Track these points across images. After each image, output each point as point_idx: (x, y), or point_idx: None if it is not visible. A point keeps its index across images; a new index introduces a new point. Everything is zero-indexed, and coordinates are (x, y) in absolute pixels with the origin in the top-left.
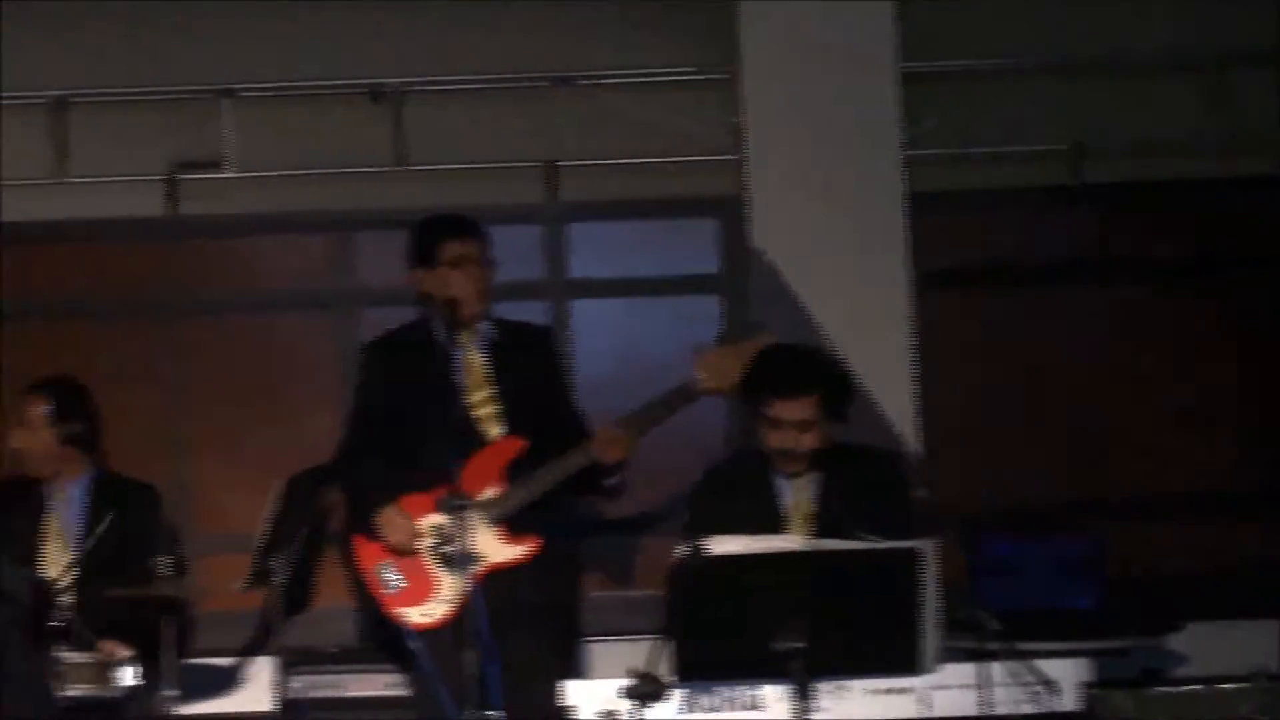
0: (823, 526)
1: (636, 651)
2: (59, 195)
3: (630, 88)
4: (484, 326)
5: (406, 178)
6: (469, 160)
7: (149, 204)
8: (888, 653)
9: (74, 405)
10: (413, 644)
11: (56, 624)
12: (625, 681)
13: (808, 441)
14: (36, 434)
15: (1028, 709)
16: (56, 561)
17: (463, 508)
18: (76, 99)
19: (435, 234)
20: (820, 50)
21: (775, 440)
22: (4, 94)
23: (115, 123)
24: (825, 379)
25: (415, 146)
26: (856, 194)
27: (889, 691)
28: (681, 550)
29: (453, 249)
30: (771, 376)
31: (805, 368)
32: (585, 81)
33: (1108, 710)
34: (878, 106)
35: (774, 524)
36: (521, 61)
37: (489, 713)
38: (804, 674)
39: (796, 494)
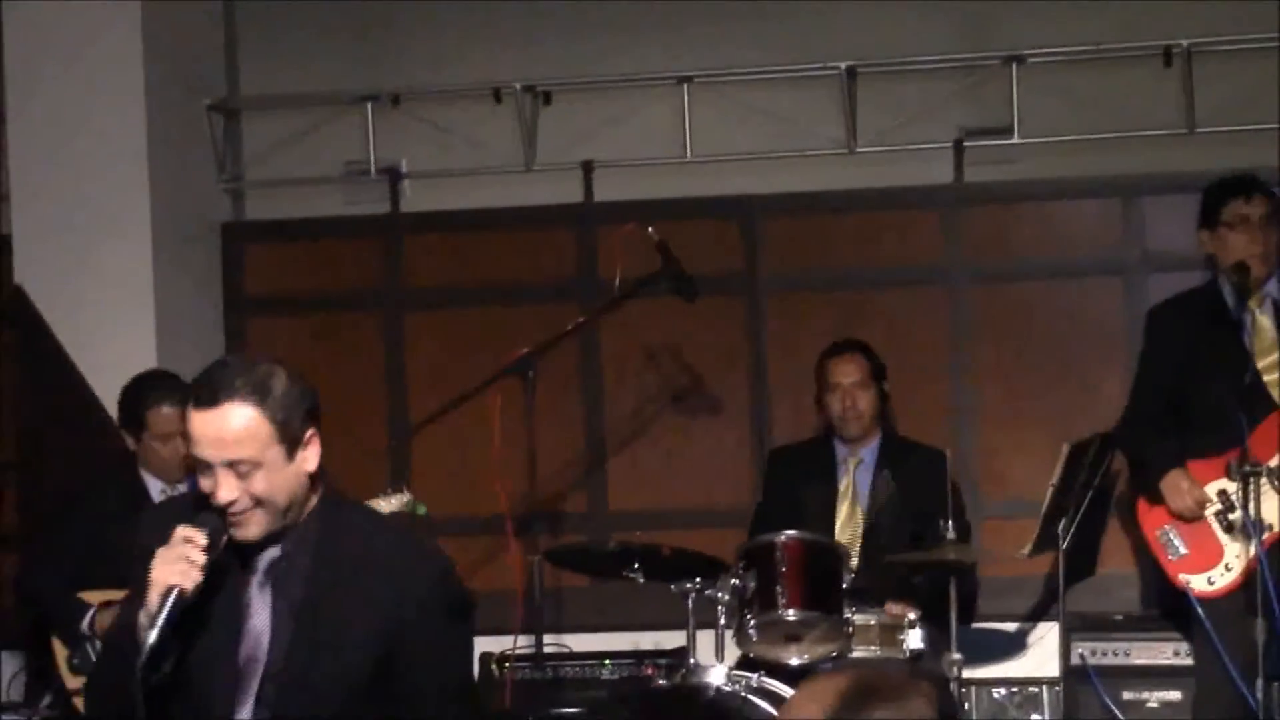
0: None
1: None
2: (849, 165)
3: None
4: (1272, 287)
5: (1196, 141)
6: (1259, 122)
7: (938, 172)
8: None
9: (877, 368)
10: (1198, 612)
11: (846, 586)
12: None
13: None
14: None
15: None
16: (848, 524)
17: (1252, 474)
18: (865, 69)
19: (1219, 194)
20: None
21: None
22: (798, 66)
23: (905, 92)
24: None
25: (1204, 109)
26: None
27: None
28: None
29: (1233, 209)
30: None
31: None
32: None
33: None
34: None
35: None
36: None
37: (1277, 684)
38: None
39: None
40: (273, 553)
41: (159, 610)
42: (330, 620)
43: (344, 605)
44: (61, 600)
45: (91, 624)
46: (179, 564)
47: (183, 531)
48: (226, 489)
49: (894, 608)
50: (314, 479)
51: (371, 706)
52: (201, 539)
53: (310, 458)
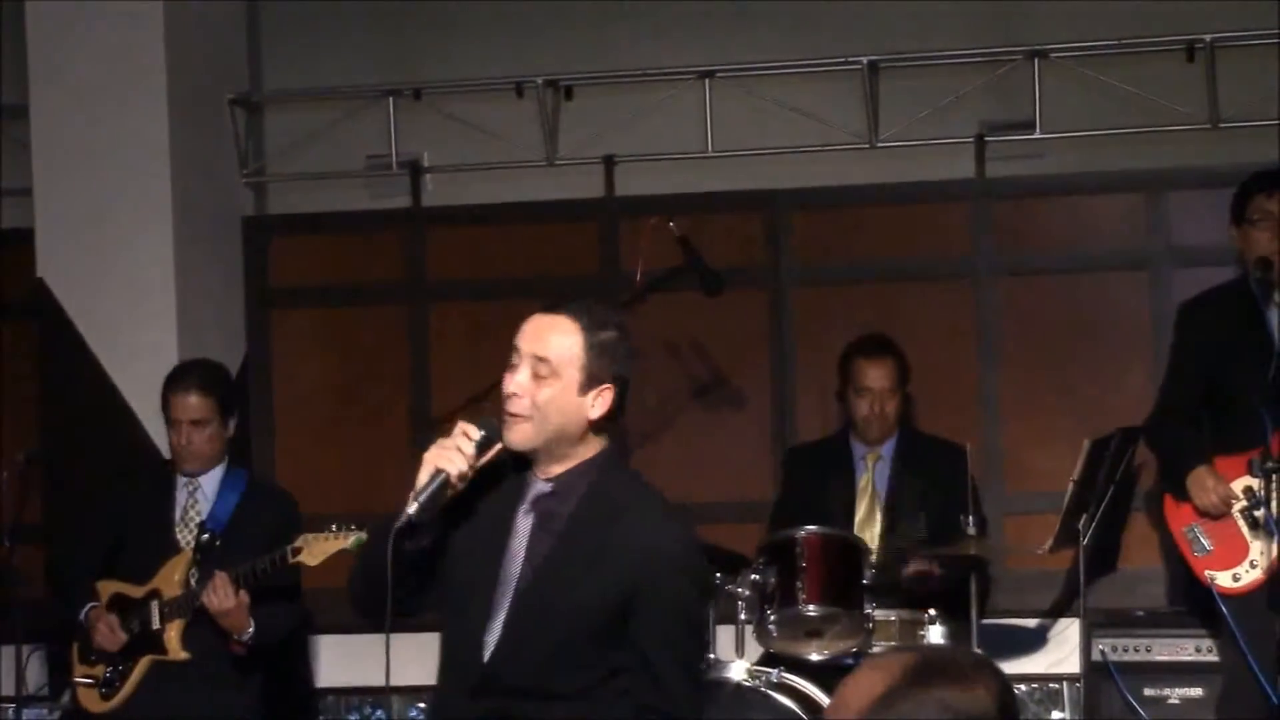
0: None
1: None
2: (871, 160)
3: None
4: None
5: (1220, 136)
6: None
7: (961, 166)
8: None
9: (903, 372)
10: (1222, 609)
11: (866, 581)
12: None
13: None
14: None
15: None
16: (868, 521)
17: (1274, 471)
18: (888, 63)
19: (1246, 190)
20: None
21: None
22: (820, 61)
23: (927, 86)
24: None
25: (1228, 103)
26: None
27: None
28: None
29: (1257, 205)
30: None
31: None
32: None
33: None
34: None
35: None
36: None
37: None
38: None
39: None
40: (543, 487)
41: (424, 488)
42: (580, 557)
43: (595, 546)
44: (76, 588)
45: (87, 616)
46: (450, 450)
47: (462, 425)
48: (519, 379)
49: (917, 565)
50: (594, 431)
51: (605, 647)
52: (475, 433)
53: (597, 407)
